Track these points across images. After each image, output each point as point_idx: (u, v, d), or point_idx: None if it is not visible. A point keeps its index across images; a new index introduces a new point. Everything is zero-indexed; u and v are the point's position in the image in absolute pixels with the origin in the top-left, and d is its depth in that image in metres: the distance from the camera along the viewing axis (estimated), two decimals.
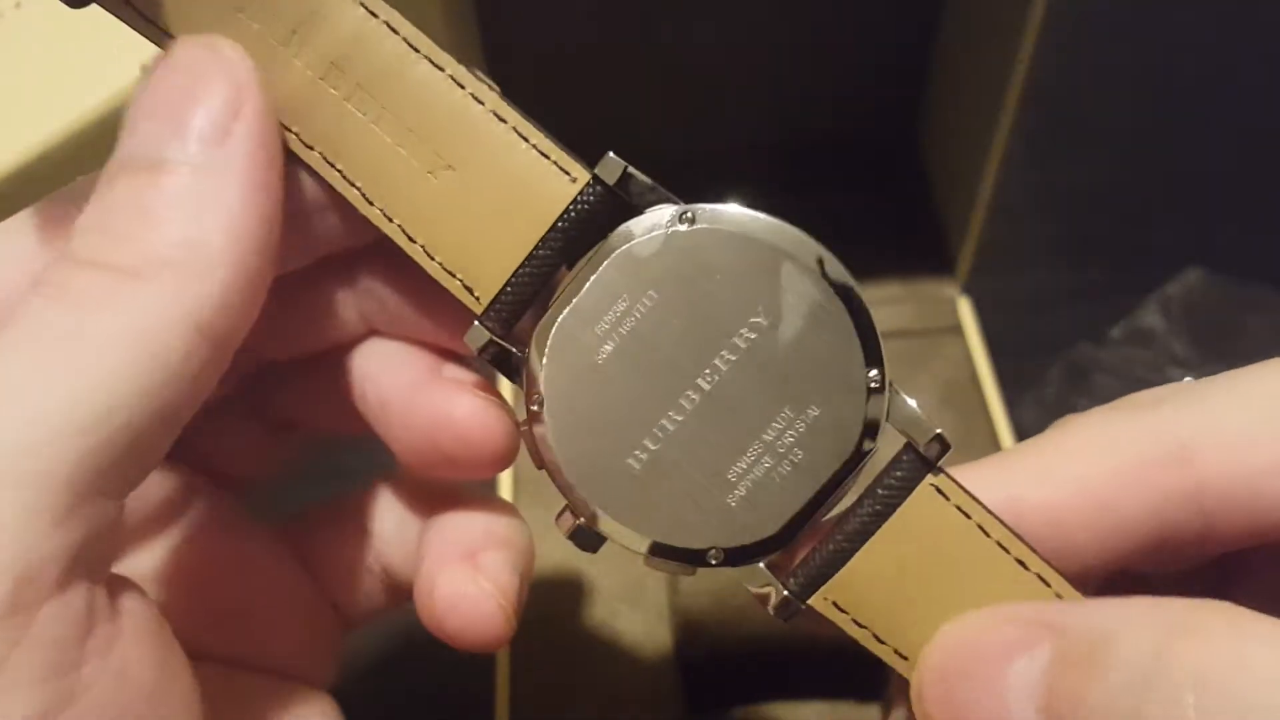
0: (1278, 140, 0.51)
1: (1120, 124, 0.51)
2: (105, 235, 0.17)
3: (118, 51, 0.28)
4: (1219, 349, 0.48)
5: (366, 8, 0.20)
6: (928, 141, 0.51)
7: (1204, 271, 0.50)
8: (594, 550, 0.20)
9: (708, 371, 0.19)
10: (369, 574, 0.25)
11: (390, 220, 0.20)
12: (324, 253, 0.21)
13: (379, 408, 0.22)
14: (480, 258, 0.20)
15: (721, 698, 0.40)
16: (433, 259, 0.20)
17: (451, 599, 0.21)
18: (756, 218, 0.20)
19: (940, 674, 0.19)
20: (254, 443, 0.25)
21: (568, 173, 0.20)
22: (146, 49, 0.29)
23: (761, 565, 0.20)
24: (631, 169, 0.20)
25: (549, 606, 0.41)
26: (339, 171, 0.20)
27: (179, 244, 0.17)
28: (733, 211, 0.20)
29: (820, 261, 0.20)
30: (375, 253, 0.22)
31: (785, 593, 0.20)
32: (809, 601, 0.20)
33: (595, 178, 0.20)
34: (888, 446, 0.20)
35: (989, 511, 0.20)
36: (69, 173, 0.28)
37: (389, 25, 0.20)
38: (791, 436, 0.20)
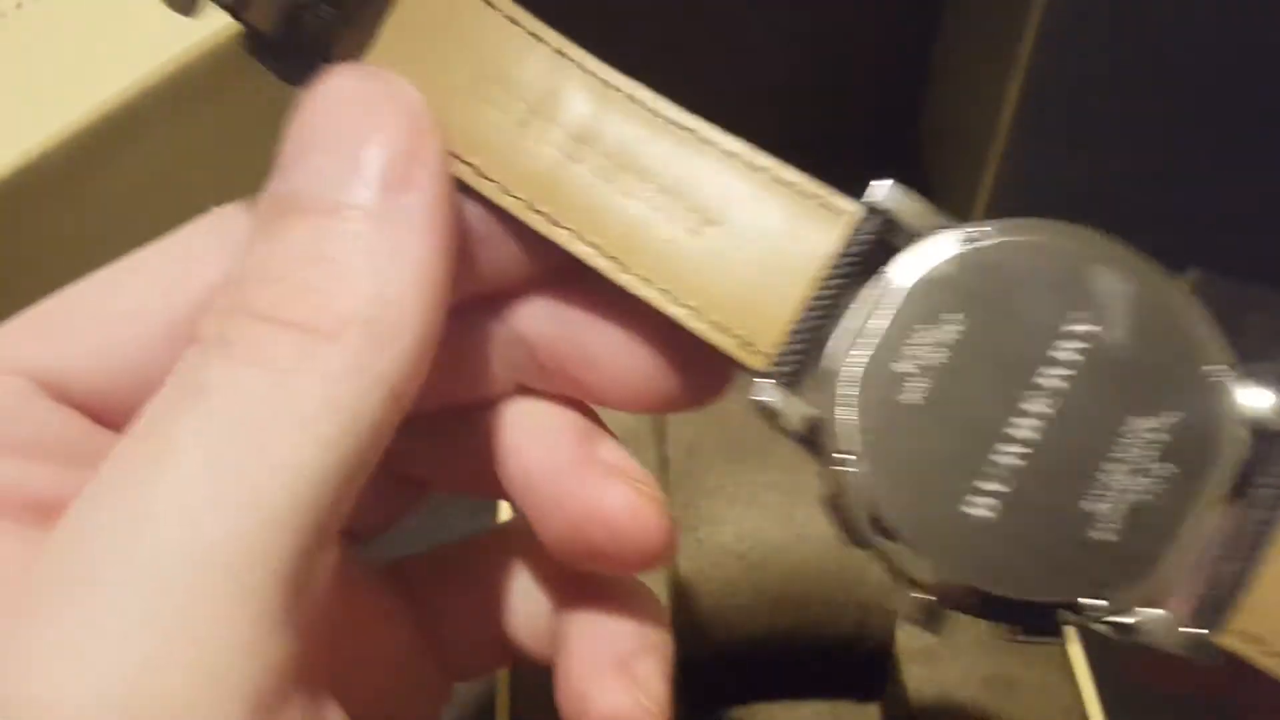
0: (1278, 141, 0.51)
1: (1119, 124, 0.51)
2: (287, 287, 0.15)
3: (118, 52, 0.28)
4: None
5: (604, 80, 0.20)
6: (926, 142, 0.51)
7: (1203, 271, 0.49)
8: (939, 631, 0.18)
9: (1034, 393, 0.18)
10: (484, 635, 0.23)
11: (649, 283, 0.19)
12: (474, 291, 0.19)
13: (523, 485, 0.20)
14: (756, 310, 0.19)
15: (721, 698, 0.40)
16: (702, 319, 0.19)
17: (610, 718, 0.20)
18: (1045, 223, 0.19)
19: None
20: (379, 496, 0.22)
21: (838, 208, 0.19)
22: (143, 49, 0.29)
23: (1149, 609, 0.18)
24: (907, 191, 0.19)
25: None
26: (590, 244, 0.19)
27: (370, 300, 0.15)
28: (1019, 222, 0.19)
29: (1127, 256, 0.18)
30: (531, 294, 0.20)
31: (1192, 631, 0.17)
32: (1218, 639, 0.17)
33: (870, 208, 0.19)
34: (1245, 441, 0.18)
35: None
36: (70, 173, 0.28)
37: (629, 95, 0.20)
38: (1150, 450, 0.17)
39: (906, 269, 0.18)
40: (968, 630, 0.37)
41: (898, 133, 0.51)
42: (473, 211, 0.19)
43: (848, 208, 0.19)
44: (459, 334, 0.19)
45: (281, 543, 0.14)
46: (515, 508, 0.21)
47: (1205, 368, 0.18)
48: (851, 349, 0.18)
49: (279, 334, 0.15)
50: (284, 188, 0.16)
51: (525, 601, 0.23)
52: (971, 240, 0.18)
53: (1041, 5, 0.37)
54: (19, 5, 0.29)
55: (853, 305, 0.18)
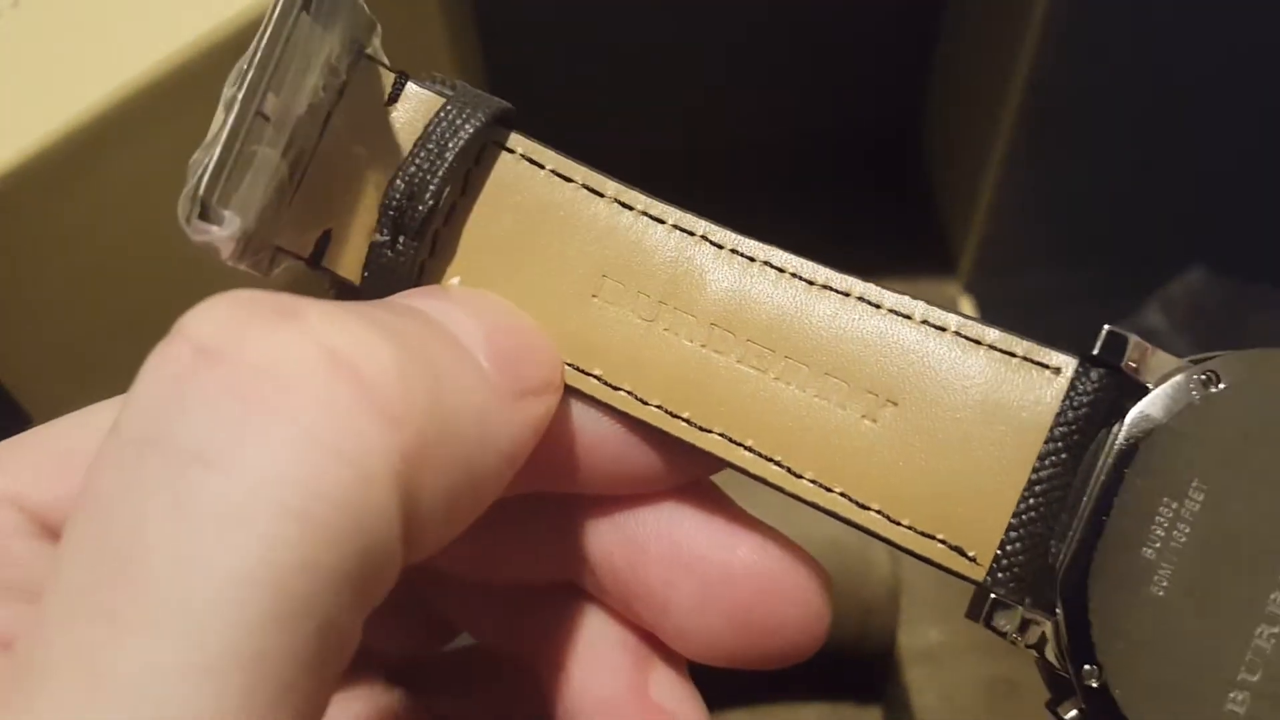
0: (1277, 143, 0.51)
1: (1121, 124, 0.51)
2: None
3: (115, 49, 0.28)
4: (1221, 349, 0.48)
5: (738, 251, 0.17)
6: (930, 141, 0.51)
7: (1206, 271, 0.49)
8: None
9: None
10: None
11: (829, 490, 0.16)
12: (555, 490, 0.18)
13: (565, 699, 0.19)
14: (963, 507, 0.16)
15: (722, 698, 0.40)
16: (898, 523, 0.16)
17: None
18: (1275, 354, 0.16)
19: None
20: (414, 634, 0.22)
21: (1046, 365, 0.16)
22: (140, 47, 0.29)
23: None
24: (1129, 336, 0.16)
25: None
26: (747, 449, 0.17)
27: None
28: (1253, 355, 0.16)
29: None
30: (605, 506, 0.18)
31: None
32: None
33: (1088, 361, 0.16)
34: None
35: None
36: (66, 172, 0.28)
37: (771, 264, 0.17)
38: None
39: (1136, 430, 0.16)
40: (970, 633, 0.37)
41: (900, 132, 0.51)
42: (581, 414, 0.17)
43: (1059, 362, 0.16)
44: (526, 520, 0.18)
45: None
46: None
47: None
48: (1081, 538, 0.15)
49: None
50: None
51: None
52: (1206, 385, 0.16)
53: (1042, 12, 0.37)
54: (15, 4, 0.29)
55: (1077, 484, 0.16)
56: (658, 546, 0.18)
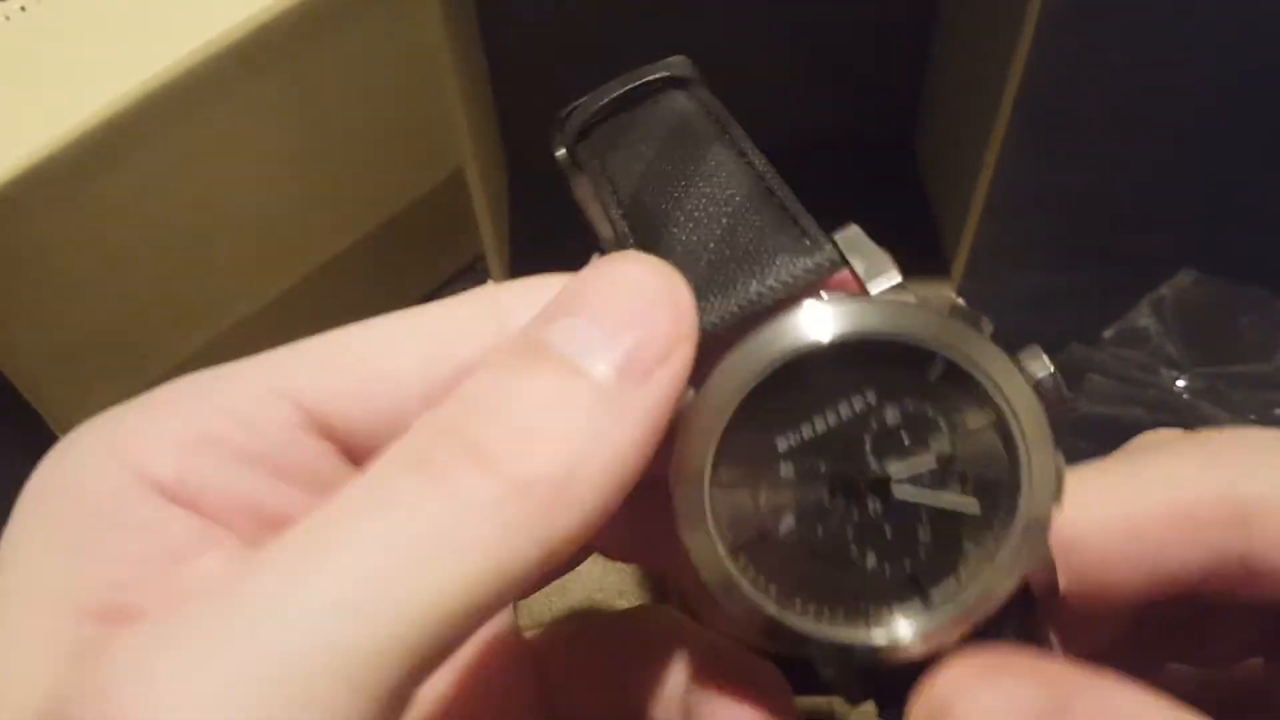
0: (1272, 142, 0.51)
1: (1115, 126, 0.52)
2: (502, 426, 0.16)
3: (122, 55, 0.28)
4: (1212, 350, 0.48)
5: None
6: (923, 143, 0.51)
7: (1197, 272, 0.50)
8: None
9: None
10: (607, 711, 0.23)
11: None
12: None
13: None
14: None
15: None
16: None
17: None
18: None
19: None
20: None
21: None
22: (143, 55, 0.29)
23: None
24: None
25: (549, 607, 0.41)
26: None
27: (565, 469, 0.16)
28: None
29: None
30: None
31: None
32: None
33: None
34: None
35: None
36: (72, 177, 0.28)
37: None
38: None
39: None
40: None
41: (893, 134, 0.52)
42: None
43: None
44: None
45: (395, 663, 0.14)
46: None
47: None
48: None
49: (475, 467, 0.16)
50: (540, 335, 0.17)
51: (658, 679, 0.22)
52: None
53: (1038, 7, 0.37)
54: (23, 8, 0.29)
55: None
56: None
